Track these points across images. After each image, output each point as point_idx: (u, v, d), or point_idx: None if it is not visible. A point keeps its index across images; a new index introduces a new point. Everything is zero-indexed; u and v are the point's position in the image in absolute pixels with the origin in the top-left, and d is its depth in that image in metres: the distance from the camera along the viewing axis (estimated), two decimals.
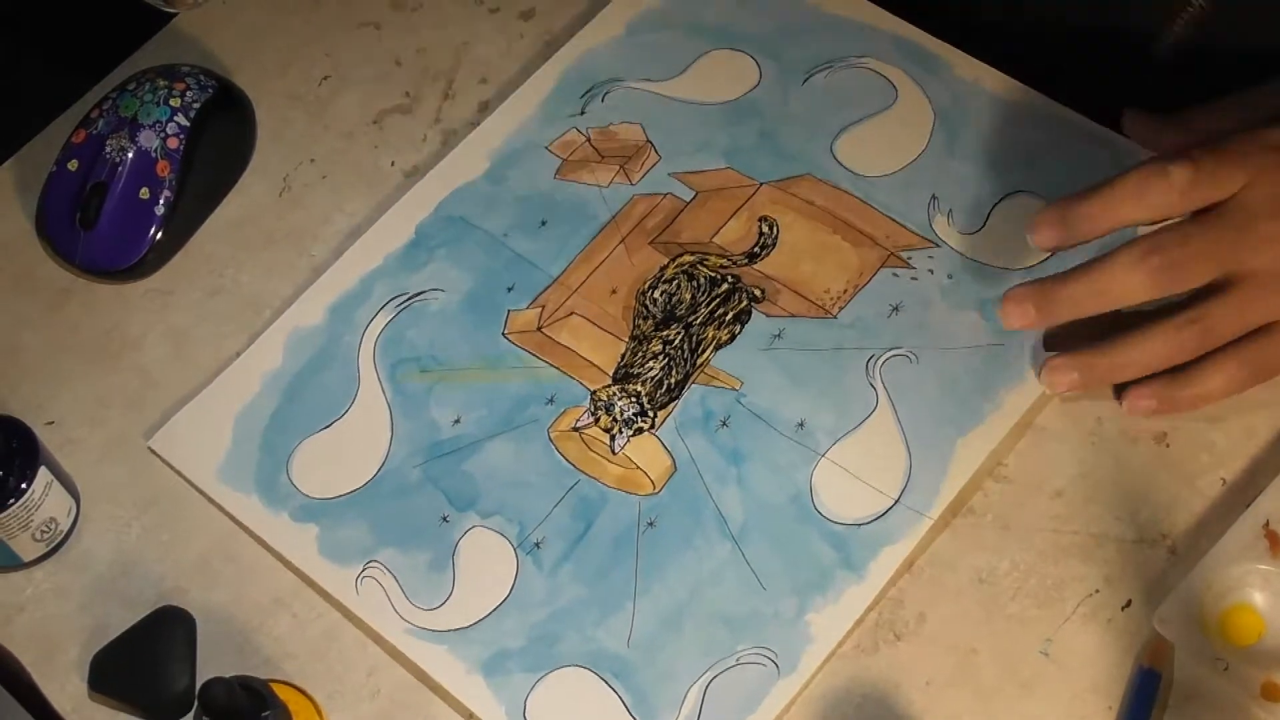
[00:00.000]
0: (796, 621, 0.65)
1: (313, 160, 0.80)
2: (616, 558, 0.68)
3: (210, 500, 0.71)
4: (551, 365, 0.72)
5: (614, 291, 0.74)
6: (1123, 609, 0.65)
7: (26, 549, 0.69)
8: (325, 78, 0.83)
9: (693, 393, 0.71)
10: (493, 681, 0.65)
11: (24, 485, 0.67)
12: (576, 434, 0.71)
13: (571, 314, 0.73)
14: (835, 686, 0.64)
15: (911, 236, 0.74)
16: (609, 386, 0.71)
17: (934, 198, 0.75)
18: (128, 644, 0.67)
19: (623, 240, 0.75)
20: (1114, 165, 0.72)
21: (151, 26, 0.85)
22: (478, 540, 0.69)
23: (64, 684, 0.67)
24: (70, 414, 0.74)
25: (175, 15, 0.85)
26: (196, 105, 0.77)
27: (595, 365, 0.72)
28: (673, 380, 0.71)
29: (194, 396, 0.73)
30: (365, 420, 0.72)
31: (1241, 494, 0.66)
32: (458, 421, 0.71)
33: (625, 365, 0.72)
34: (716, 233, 0.75)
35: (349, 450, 0.71)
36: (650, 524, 0.68)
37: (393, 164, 0.80)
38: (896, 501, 0.67)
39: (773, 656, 0.65)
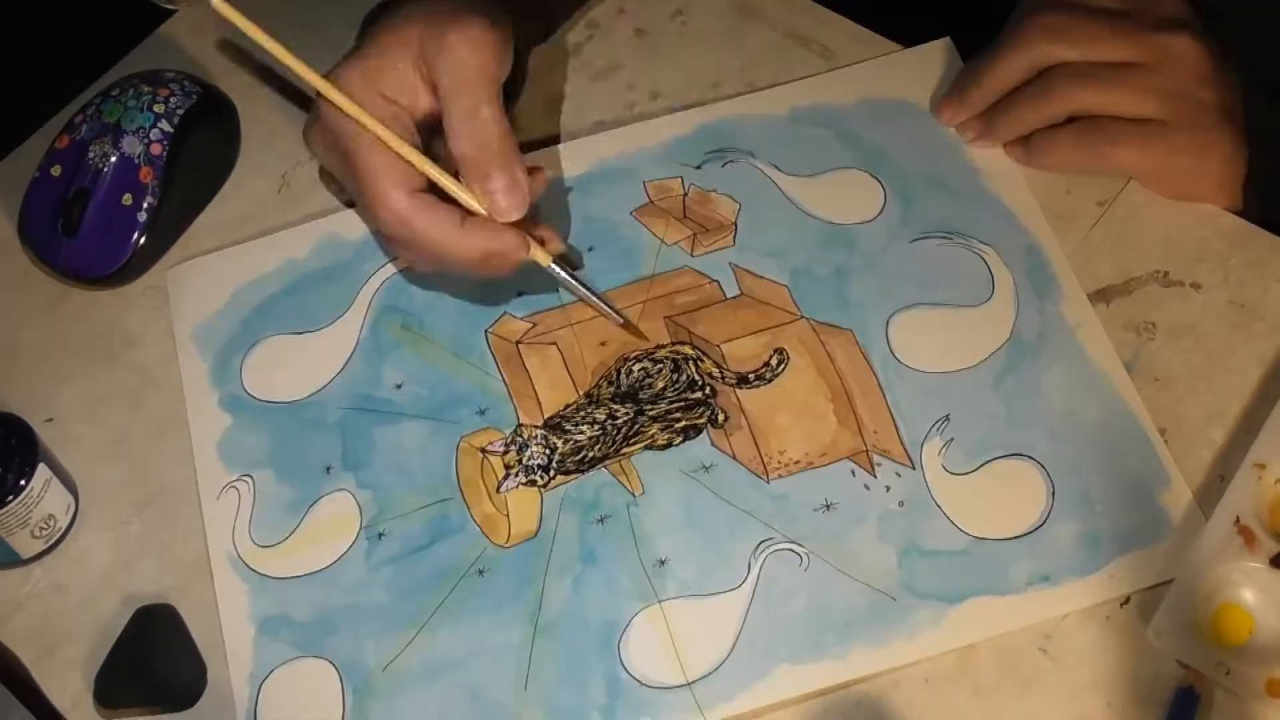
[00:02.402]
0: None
1: (312, 157, 0.80)
2: (429, 586, 0.67)
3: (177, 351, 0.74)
4: (504, 381, 0.72)
5: (603, 344, 0.72)
6: (1121, 606, 0.65)
7: (25, 546, 0.69)
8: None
9: (597, 475, 0.69)
10: (261, 639, 0.67)
11: (23, 482, 0.67)
12: (481, 455, 0.70)
13: (554, 344, 0.72)
14: (833, 685, 0.65)
15: (897, 447, 0.68)
16: (536, 428, 0.70)
17: (946, 419, 0.69)
18: (122, 654, 0.66)
19: (644, 301, 0.73)
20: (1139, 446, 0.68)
21: (148, 25, 0.85)
22: (337, 504, 0.70)
23: (63, 681, 0.67)
24: (69, 411, 0.74)
25: (174, 12, 0.85)
26: (180, 112, 0.77)
27: (539, 403, 0.71)
28: (592, 454, 0.69)
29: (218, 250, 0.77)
30: (330, 344, 0.74)
31: None
32: (399, 387, 0.72)
33: (562, 416, 0.70)
34: (730, 341, 0.72)
35: (299, 363, 0.73)
36: (480, 572, 0.67)
37: None
38: (688, 684, 0.64)
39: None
